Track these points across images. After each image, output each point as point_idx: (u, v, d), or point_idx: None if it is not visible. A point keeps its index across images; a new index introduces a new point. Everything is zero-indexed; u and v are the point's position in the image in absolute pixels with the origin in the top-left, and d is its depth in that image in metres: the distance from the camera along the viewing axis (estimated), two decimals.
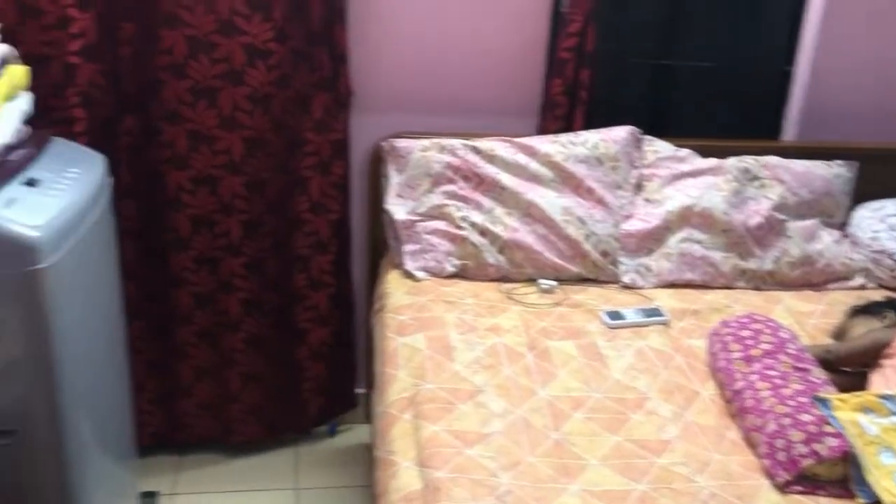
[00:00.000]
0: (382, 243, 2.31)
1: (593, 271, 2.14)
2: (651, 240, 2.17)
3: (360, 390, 2.62)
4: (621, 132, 2.26)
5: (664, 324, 1.94)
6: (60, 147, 1.69)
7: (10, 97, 1.56)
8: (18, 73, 1.61)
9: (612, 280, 2.15)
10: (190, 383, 2.39)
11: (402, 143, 2.20)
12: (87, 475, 1.60)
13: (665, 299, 2.06)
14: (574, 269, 2.13)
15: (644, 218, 2.18)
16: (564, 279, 2.13)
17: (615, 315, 1.95)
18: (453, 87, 2.36)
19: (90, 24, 2.01)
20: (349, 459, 2.55)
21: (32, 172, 1.52)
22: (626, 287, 2.13)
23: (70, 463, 1.53)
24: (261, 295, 2.36)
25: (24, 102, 1.63)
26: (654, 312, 1.97)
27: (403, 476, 1.40)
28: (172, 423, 2.42)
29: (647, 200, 2.22)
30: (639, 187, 2.24)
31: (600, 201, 2.17)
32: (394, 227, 2.16)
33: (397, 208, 2.15)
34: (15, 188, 1.44)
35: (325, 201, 2.33)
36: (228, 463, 2.50)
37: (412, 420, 1.54)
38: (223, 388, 2.41)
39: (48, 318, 1.42)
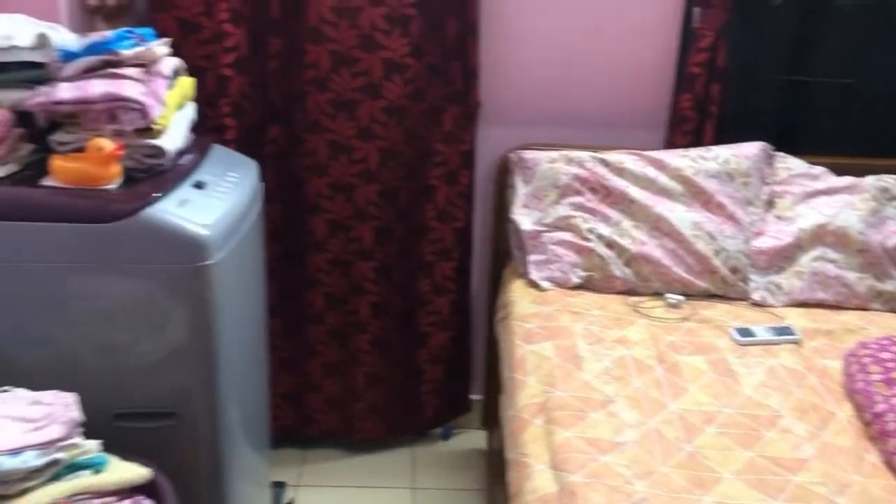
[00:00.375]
0: (505, 252, 2.36)
1: (721, 287, 2.12)
2: (782, 258, 2.13)
3: (475, 396, 2.68)
4: (753, 148, 2.23)
5: (796, 343, 1.91)
6: (219, 153, 1.82)
7: (180, 106, 1.69)
8: (187, 83, 1.74)
9: (741, 297, 2.12)
10: (319, 380, 2.50)
11: (529, 154, 2.25)
12: (235, 460, 1.71)
13: (796, 318, 2.03)
14: (702, 284, 2.12)
15: (775, 235, 2.15)
16: (691, 294, 2.12)
17: (745, 332, 1.93)
18: (580, 100, 2.39)
19: (242, 38, 2.15)
20: (464, 463, 2.60)
21: (199, 175, 1.64)
22: (756, 304, 2.10)
23: (221, 447, 1.64)
24: (388, 298, 2.45)
25: (191, 111, 1.77)
26: (786, 331, 1.94)
27: (538, 478, 1.44)
28: (300, 417, 2.54)
29: (779, 217, 2.19)
30: (770, 204, 2.21)
31: (731, 217, 2.15)
32: (519, 236, 2.20)
33: (523, 218, 2.20)
34: (186, 190, 1.56)
35: (450, 210, 2.40)
36: (348, 459, 2.60)
37: (544, 425, 1.58)
38: (349, 386, 2.51)
39: (212, 310, 1.53)
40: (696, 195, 2.17)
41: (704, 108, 2.30)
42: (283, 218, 2.32)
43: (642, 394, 1.68)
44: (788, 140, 2.35)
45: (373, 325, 2.45)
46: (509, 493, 1.50)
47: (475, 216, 2.45)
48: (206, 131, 2.06)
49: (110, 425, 1.48)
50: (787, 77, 2.41)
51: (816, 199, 2.19)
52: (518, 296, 2.09)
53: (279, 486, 2.26)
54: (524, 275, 2.17)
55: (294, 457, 2.56)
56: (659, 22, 2.32)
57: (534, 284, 2.12)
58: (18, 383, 1.38)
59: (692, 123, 2.31)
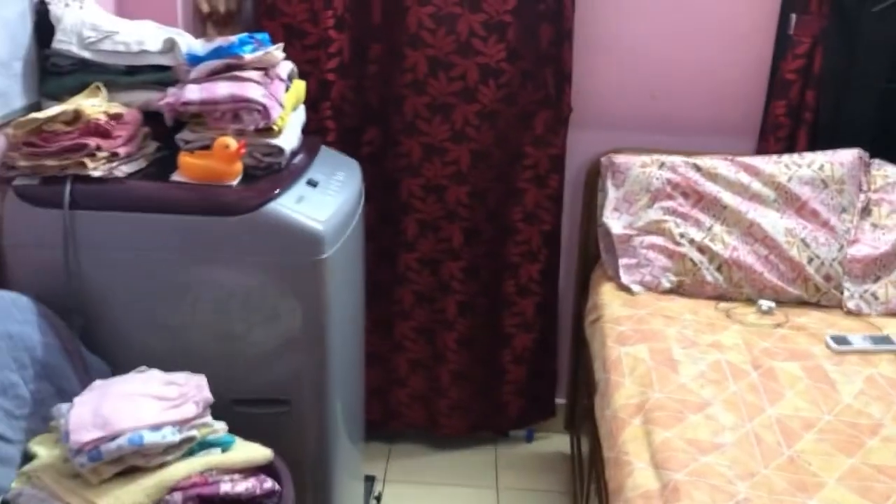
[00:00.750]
0: (593, 256, 2.39)
1: (815, 295, 2.11)
2: (879, 266, 2.11)
3: (559, 400, 2.70)
4: (848, 155, 2.21)
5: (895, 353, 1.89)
6: (326, 153, 1.90)
7: (294, 108, 1.77)
8: (300, 86, 1.82)
9: (835, 305, 2.11)
10: (405, 375, 2.57)
11: (621, 158, 2.27)
12: (337, 450, 1.78)
13: (893, 328, 2.00)
14: (795, 291, 2.11)
15: (872, 244, 2.13)
16: (783, 301, 2.11)
17: (841, 340, 1.92)
18: (671, 105, 2.40)
19: (345, 44, 2.23)
20: (547, 465, 2.63)
21: (311, 174, 1.72)
22: (850, 313, 2.08)
23: (327, 435, 1.71)
24: (474, 298, 2.50)
25: (302, 113, 1.85)
26: (885, 340, 1.92)
27: (639, 476, 1.46)
28: (387, 411, 2.60)
29: (875, 226, 2.17)
30: (866, 212, 2.19)
31: (825, 224, 2.13)
32: (610, 240, 2.23)
33: (614, 222, 2.22)
34: (301, 187, 1.64)
35: (538, 212, 2.44)
36: (432, 455, 2.65)
37: (642, 425, 1.60)
38: (434, 383, 2.57)
39: (324, 302, 1.60)
40: (790, 201, 2.16)
41: (799, 114, 2.29)
42: (377, 217, 2.39)
43: (739, 398, 1.69)
44: (886, 148, 2.32)
45: (459, 324, 2.51)
46: (609, 489, 1.53)
47: (563, 219, 2.49)
48: (308, 133, 2.15)
49: (228, 410, 1.56)
50: (885, 84, 2.38)
51: None
52: (609, 299, 2.12)
53: (369, 479, 2.33)
54: (614, 278, 2.20)
55: (380, 451, 2.63)
56: (753, 28, 2.32)
57: (624, 288, 2.14)
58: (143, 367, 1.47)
59: (785, 130, 2.30)
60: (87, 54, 1.69)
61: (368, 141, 2.35)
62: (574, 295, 2.53)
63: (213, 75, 1.64)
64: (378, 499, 2.37)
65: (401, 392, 2.58)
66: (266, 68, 1.69)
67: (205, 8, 2.15)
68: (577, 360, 2.54)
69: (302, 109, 1.85)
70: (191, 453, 1.28)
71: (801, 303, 2.12)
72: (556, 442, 2.71)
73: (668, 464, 1.46)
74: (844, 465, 1.50)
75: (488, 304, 2.53)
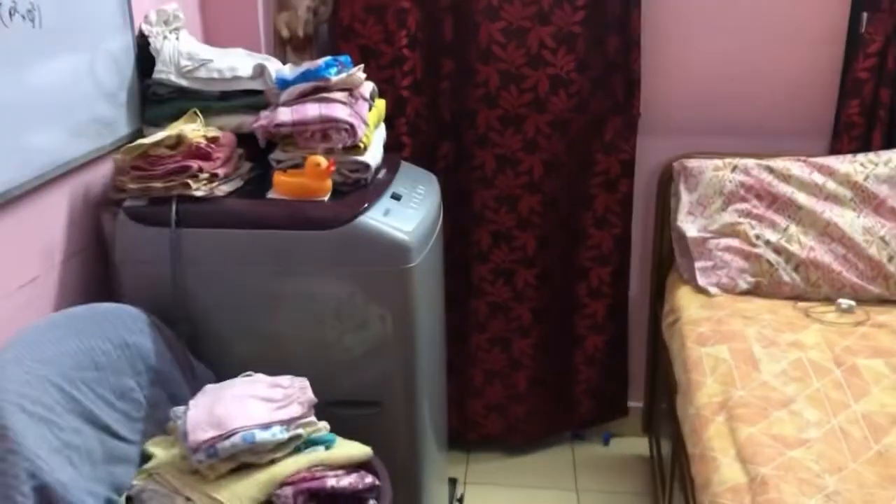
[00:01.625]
0: (666, 259, 2.42)
1: None
2: None
3: (633, 404, 2.72)
4: None
5: None
6: (406, 168, 1.98)
7: (377, 125, 1.86)
8: (381, 105, 1.92)
9: None
10: (480, 385, 2.63)
11: (693, 162, 2.30)
12: (426, 450, 1.85)
13: None
14: (875, 289, 2.10)
15: None
16: (863, 299, 2.10)
17: None
18: (741, 109, 2.42)
19: (418, 62, 2.32)
20: (624, 467, 2.66)
21: (394, 188, 1.80)
22: None
23: (416, 436, 1.79)
24: (548, 304, 2.55)
25: (383, 130, 1.94)
26: None
27: (726, 471, 1.49)
28: (464, 422, 2.66)
29: None
30: None
31: None
32: (685, 243, 2.25)
33: (689, 226, 2.25)
34: (386, 201, 1.73)
35: (609, 217, 2.48)
36: (509, 459, 2.71)
37: (726, 422, 1.63)
38: (511, 390, 2.62)
39: (412, 308, 1.68)
40: (867, 200, 2.16)
41: (873, 113, 2.28)
42: (451, 229, 2.47)
43: (823, 394, 1.70)
44: None
45: (535, 331, 2.56)
46: (696, 485, 1.56)
47: (634, 223, 2.52)
48: (386, 148, 2.24)
49: (322, 411, 1.64)
50: None
51: None
52: (686, 301, 2.14)
53: (452, 482, 2.39)
54: (690, 281, 2.22)
55: (459, 458, 2.69)
56: (824, 28, 2.32)
57: (701, 290, 2.16)
58: (244, 372, 1.57)
59: (859, 129, 2.30)
60: (184, 82, 1.81)
61: (443, 155, 2.42)
62: (649, 299, 2.55)
63: (302, 97, 1.74)
64: (461, 500, 2.43)
65: (477, 403, 2.64)
66: (350, 89, 1.78)
67: (285, 33, 2.27)
68: (654, 364, 2.56)
69: (383, 127, 1.94)
70: (297, 451, 1.37)
71: (882, 301, 2.11)
72: (633, 444, 2.73)
73: (754, 458, 1.49)
74: None
75: (561, 308, 2.57)
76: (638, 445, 2.71)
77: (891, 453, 1.52)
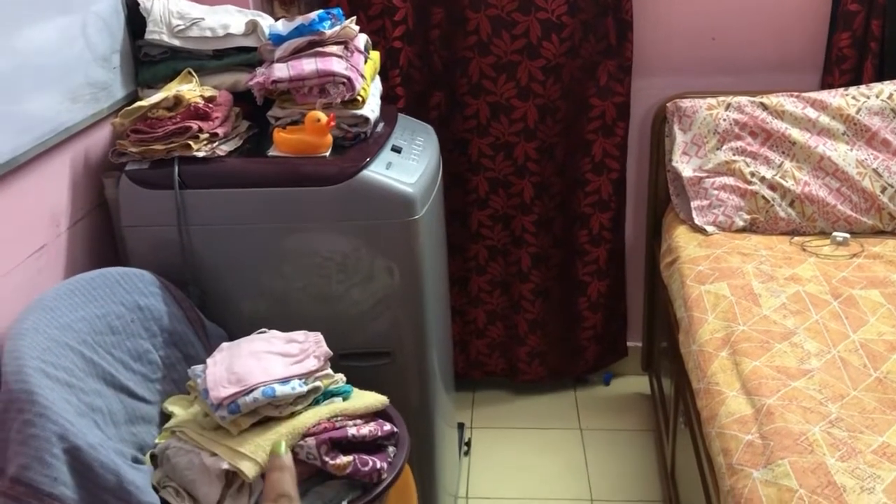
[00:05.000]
0: (662, 201, 2.44)
1: (890, 224, 2.13)
2: None
3: (632, 343, 2.78)
4: None
5: None
6: (403, 120, 1.98)
7: (373, 78, 1.85)
8: (376, 57, 1.90)
9: None
10: (483, 326, 2.67)
11: (686, 102, 2.31)
12: (437, 397, 1.89)
13: None
14: (869, 221, 2.13)
15: None
16: (858, 231, 2.14)
17: None
18: (732, 47, 2.42)
19: (409, 11, 2.30)
20: (624, 406, 2.72)
21: (394, 141, 1.80)
22: None
23: (427, 384, 1.82)
24: (547, 250, 2.58)
25: (379, 83, 1.93)
26: None
27: (732, 403, 1.54)
28: (468, 362, 2.72)
29: None
30: None
31: None
32: (681, 183, 2.27)
33: (684, 166, 2.27)
34: (387, 154, 1.73)
35: (606, 161, 2.49)
36: (514, 402, 2.77)
37: (730, 357, 1.67)
38: (512, 331, 2.67)
39: (419, 259, 1.70)
40: (860, 133, 2.18)
41: (864, 45, 2.28)
42: (448, 179, 2.47)
43: (822, 326, 1.74)
44: None
45: (533, 275, 2.59)
46: (702, 418, 1.60)
47: (628, 167, 2.53)
48: (382, 101, 2.23)
49: (335, 364, 1.67)
50: None
51: None
52: (684, 241, 2.17)
53: (460, 426, 2.45)
54: (687, 220, 2.25)
55: (465, 400, 2.75)
56: None
57: (698, 229, 2.19)
58: (256, 330, 1.59)
59: (851, 62, 2.30)
60: (176, 42, 1.79)
61: (435, 105, 2.42)
62: (646, 240, 2.58)
63: (297, 53, 1.73)
64: (468, 444, 2.49)
65: (480, 342, 2.69)
66: (345, 42, 1.77)
67: None
68: (651, 303, 2.60)
69: (378, 79, 1.93)
70: (316, 403, 1.40)
71: (877, 232, 2.15)
72: (633, 383, 2.80)
73: (759, 390, 1.53)
74: None
75: (561, 254, 2.60)
76: (637, 384, 2.78)
77: (889, 379, 1.57)
